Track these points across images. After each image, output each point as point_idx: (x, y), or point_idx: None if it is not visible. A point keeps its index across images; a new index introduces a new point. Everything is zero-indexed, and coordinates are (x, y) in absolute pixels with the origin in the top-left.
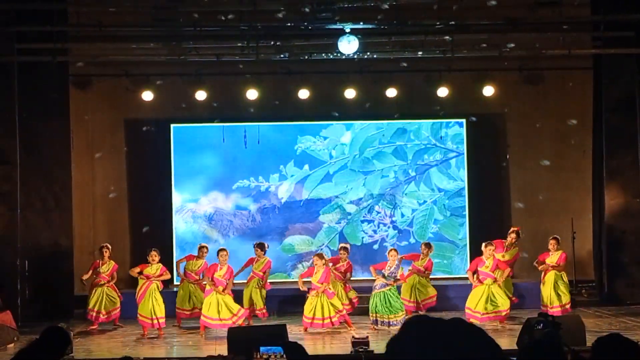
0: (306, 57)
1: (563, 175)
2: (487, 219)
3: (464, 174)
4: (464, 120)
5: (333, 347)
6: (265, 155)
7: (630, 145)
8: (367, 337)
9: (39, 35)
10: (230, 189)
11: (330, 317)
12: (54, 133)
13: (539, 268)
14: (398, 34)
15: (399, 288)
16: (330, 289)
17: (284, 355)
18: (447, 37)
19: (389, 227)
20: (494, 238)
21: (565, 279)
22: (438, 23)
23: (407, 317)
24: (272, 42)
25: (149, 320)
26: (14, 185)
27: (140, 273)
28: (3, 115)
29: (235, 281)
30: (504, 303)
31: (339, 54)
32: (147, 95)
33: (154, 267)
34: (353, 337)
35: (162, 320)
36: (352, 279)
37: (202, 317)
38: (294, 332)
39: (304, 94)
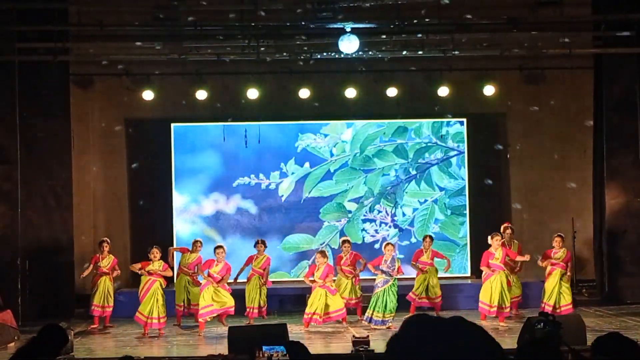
0: (307, 56)
1: (564, 175)
2: (488, 218)
3: (464, 172)
4: (464, 119)
5: (334, 347)
6: (265, 154)
7: (631, 145)
8: (368, 336)
9: (40, 34)
10: (230, 187)
11: (329, 314)
12: (54, 132)
13: (542, 264)
14: (399, 33)
15: (400, 287)
16: (332, 286)
17: (287, 354)
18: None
19: (390, 227)
20: None
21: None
22: (439, 22)
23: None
24: (272, 42)
25: (145, 319)
26: (15, 184)
27: (141, 269)
28: (4, 114)
29: (238, 280)
30: (516, 291)
31: (339, 53)
32: (148, 95)
33: (156, 264)
34: (354, 336)
35: (162, 320)
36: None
37: (200, 312)
38: (295, 332)
39: (304, 93)
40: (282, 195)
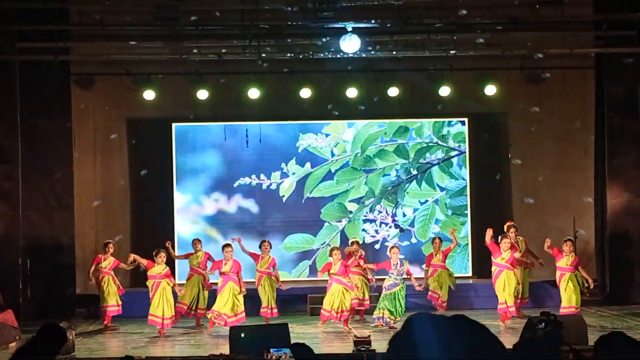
0: (308, 56)
1: (565, 174)
2: (489, 218)
3: (465, 172)
4: (465, 119)
5: (335, 347)
6: (266, 154)
7: (632, 144)
8: (369, 336)
9: (41, 34)
10: (231, 187)
11: (347, 311)
12: (55, 132)
13: (545, 248)
14: (400, 33)
15: (408, 288)
16: (349, 281)
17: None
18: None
19: (390, 227)
20: (495, 237)
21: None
22: (440, 22)
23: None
24: (274, 41)
25: (160, 320)
26: (16, 184)
27: (133, 262)
28: (5, 114)
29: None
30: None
31: (341, 53)
32: (149, 94)
33: (159, 267)
34: (355, 336)
35: (167, 321)
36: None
37: (215, 315)
38: (296, 332)
39: (305, 93)
40: (283, 196)
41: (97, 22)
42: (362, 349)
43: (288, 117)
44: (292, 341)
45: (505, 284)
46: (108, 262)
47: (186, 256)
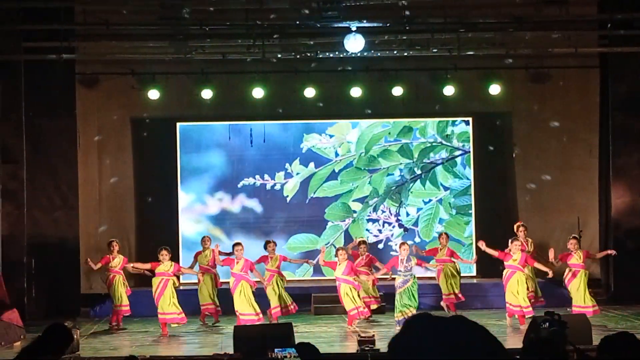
0: (312, 56)
1: (569, 174)
2: (493, 218)
3: (469, 172)
4: (470, 119)
5: (339, 346)
6: (271, 153)
7: (637, 144)
8: (373, 335)
9: (46, 33)
10: (235, 187)
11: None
12: (60, 131)
13: (555, 262)
14: (404, 33)
15: (420, 285)
16: (355, 279)
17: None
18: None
19: (394, 226)
20: (500, 237)
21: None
22: (444, 21)
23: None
24: (278, 41)
25: (165, 317)
26: (21, 183)
27: (136, 268)
28: (10, 113)
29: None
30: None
31: (345, 53)
32: (153, 94)
33: (166, 265)
34: (359, 335)
35: (181, 315)
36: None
37: (240, 318)
38: (300, 331)
39: (309, 92)
40: (287, 196)
41: (102, 22)
42: (367, 348)
43: (292, 116)
44: (296, 341)
45: (519, 285)
46: (118, 261)
47: (195, 259)
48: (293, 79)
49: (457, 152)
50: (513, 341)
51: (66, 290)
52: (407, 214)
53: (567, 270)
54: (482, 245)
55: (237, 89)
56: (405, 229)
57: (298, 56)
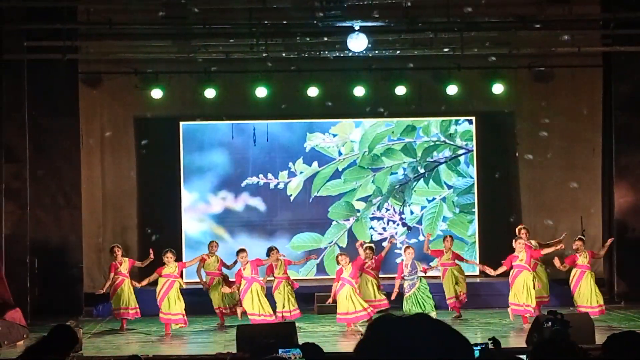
0: (315, 55)
1: (572, 173)
2: (496, 216)
3: (473, 171)
4: (473, 118)
5: (342, 345)
6: (274, 152)
7: None
8: None
9: (49, 33)
10: (239, 186)
11: (360, 311)
12: (63, 131)
13: (562, 268)
14: (407, 32)
15: (431, 285)
16: (356, 281)
17: (303, 357)
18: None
19: (398, 225)
20: (503, 235)
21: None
22: (447, 20)
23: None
24: (281, 40)
25: (168, 317)
26: (24, 183)
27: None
28: (13, 113)
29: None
30: (542, 292)
31: (348, 52)
32: (157, 93)
33: (172, 267)
34: (361, 334)
35: (177, 317)
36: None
37: (250, 318)
38: (303, 330)
39: (313, 91)
40: (291, 195)
41: (105, 21)
42: None
43: (295, 115)
44: (300, 340)
45: (524, 285)
46: (125, 265)
47: (201, 260)
48: (296, 78)
49: (461, 151)
50: (516, 341)
51: (69, 290)
52: (411, 213)
53: (573, 271)
54: (491, 271)
55: (241, 88)
56: (409, 228)
57: (301, 55)
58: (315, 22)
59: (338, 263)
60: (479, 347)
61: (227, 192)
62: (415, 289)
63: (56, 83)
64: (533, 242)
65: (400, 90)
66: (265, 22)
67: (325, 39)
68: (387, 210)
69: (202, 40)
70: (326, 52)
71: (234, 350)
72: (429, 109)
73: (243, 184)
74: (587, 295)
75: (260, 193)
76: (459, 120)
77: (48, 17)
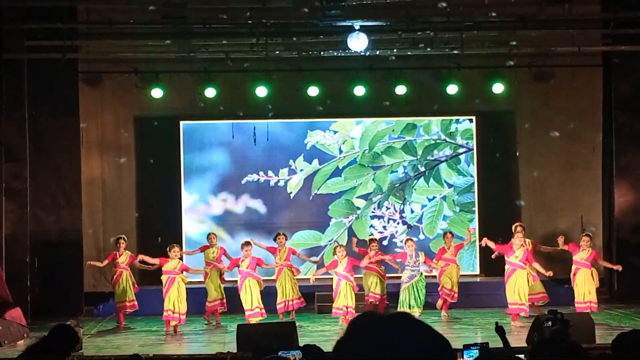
0: (315, 54)
1: (573, 173)
2: (497, 215)
3: (473, 169)
4: (473, 117)
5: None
6: (274, 152)
7: None
8: None
9: (49, 32)
10: (239, 185)
11: (353, 308)
12: (63, 130)
13: (561, 246)
14: (407, 31)
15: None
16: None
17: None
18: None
19: (398, 223)
20: (503, 234)
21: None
22: (447, 20)
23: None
24: (281, 39)
25: (177, 315)
26: (24, 182)
27: (144, 263)
28: (13, 112)
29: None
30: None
31: (348, 51)
32: (157, 92)
33: (173, 263)
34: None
35: (183, 317)
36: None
37: (246, 314)
38: (303, 329)
39: (313, 91)
40: (291, 193)
41: (105, 21)
42: None
43: (296, 115)
44: (300, 339)
45: (518, 283)
46: (125, 258)
47: (201, 250)
48: (296, 78)
49: (461, 150)
50: (516, 341)
51: (69, 289)
52: (412, 211)
53: (573, 267)
54: (484, 242)
55: (241, 87)
56: (409, 226)
57: (301, 55)
58: (315, 21)
59: (334, 254)
60: (478, 347)
61: (228, 194)
62: (414, 281)
63: (56, 82)
64: (527, 240)
65: (401, 89)
66: (265, 21)
67: (326, 38)
68: (388, 208)
69: (202, 39)
70: (326, 52)
71: (234, 350)
72: (429, 109)
73: (243, 181)
74: (581, 291)
75: (261, 192)
76: (460, 119)
77: (48, 17)
